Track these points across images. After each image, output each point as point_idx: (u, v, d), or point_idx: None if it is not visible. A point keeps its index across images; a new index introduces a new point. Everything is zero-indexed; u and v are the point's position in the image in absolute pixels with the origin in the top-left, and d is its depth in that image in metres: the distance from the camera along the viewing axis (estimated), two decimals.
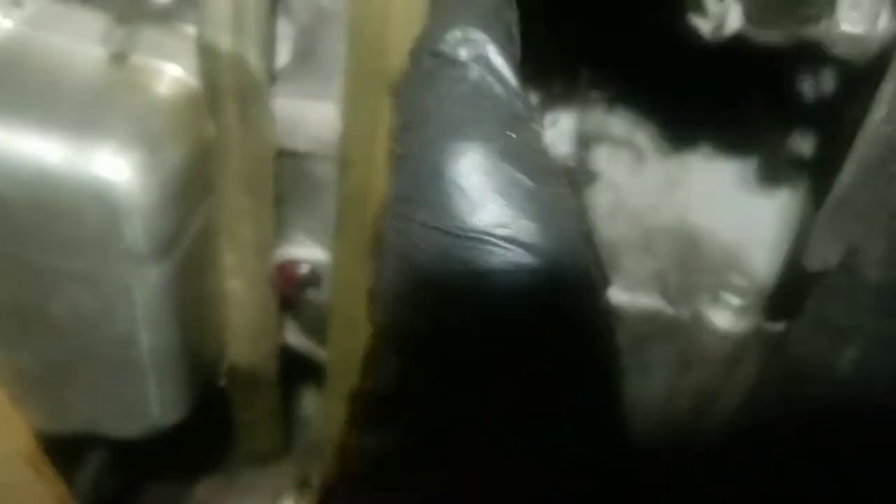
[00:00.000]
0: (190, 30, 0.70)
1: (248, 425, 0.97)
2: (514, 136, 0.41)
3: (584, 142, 0.70)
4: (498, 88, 0.41)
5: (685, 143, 0.72)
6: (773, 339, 0.59)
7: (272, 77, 0.72)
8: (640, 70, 0.69)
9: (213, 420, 0.94)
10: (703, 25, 0.48)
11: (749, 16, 0.46)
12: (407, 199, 0.43)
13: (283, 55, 0.75)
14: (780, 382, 0.58)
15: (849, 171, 0.44)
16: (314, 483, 0.90)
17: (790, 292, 0.56)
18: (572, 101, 0.69)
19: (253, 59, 0.68)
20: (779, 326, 0.59)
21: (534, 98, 0.71)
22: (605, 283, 0.57)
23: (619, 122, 0.73)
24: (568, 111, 0.69)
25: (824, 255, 0.48)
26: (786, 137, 0.68)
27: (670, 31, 0.52)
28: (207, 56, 0.68)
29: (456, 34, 0.40)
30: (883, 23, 0.41)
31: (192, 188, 0.72)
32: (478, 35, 0.40)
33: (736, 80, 0.65)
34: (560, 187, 0.43)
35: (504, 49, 0.41)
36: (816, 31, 0.42)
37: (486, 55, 0.41)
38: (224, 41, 0.67)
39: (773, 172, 0.68)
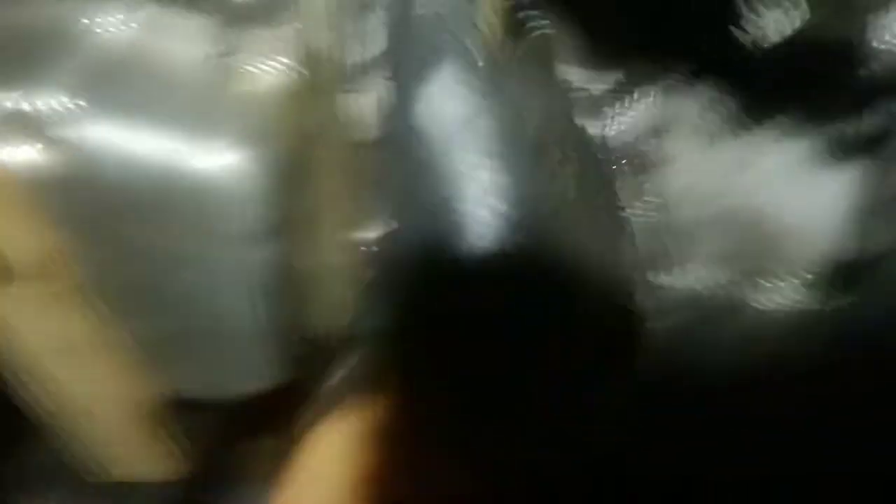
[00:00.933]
0: (289, 30, 0.76)
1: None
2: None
3: (658, 125, 0.73)
4: None
5: (756, 123, 0.74)
6: (836, 317, 0.62)
7: (367, 68, 0.78)
8: (710, 55, 0.72)
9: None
10: (743, 37, 0.51)
11: (797, 26, 0.49)
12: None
13: (376, 46, 0.81)
14: (840, 363, 0.61)
15: None
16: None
17: (851, 272, 0.59)
18: (646, 84, 0.73)
19: (346, 53, 0.74)
20: (842, 304, 0.62)
21: (609, 81, 0.75)
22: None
23: (691, 105, 0.76)
24: (642, 94, 0.73)
25: (884, 236, 0.51)
26: (855, 117, 0.70)
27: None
28: (307, 52, 0.74)
29: None
30: None
31: (294, 176, 0.78)
32: None
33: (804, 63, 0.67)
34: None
35: None
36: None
37: None
38: (321, 39, 0.73)
39: (841, 152, 0.71)
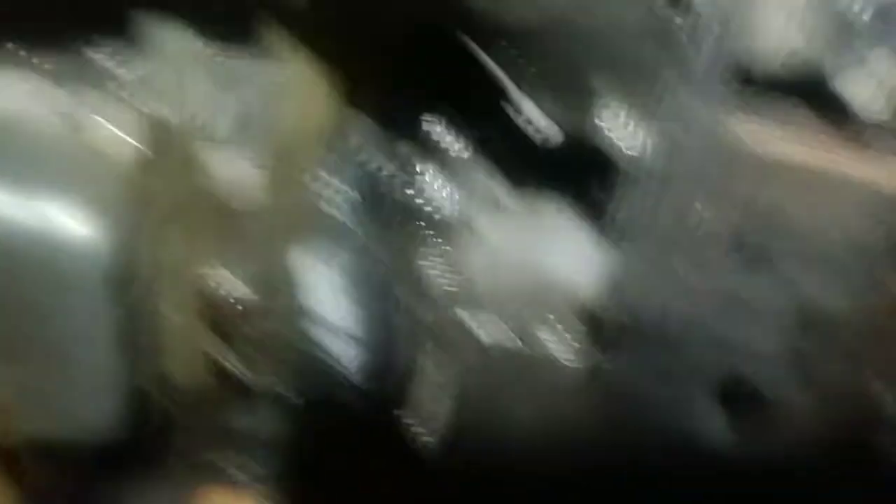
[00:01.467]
0: (139, 101, 0.82)
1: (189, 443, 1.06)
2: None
3: (451, 191, 0.80)
4: None
5: (539, 191, 0.80)
6: (610, 374, 0.72)
7: (215, 136, 0.84)
8: (499, 126, 0.80)
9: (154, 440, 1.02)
10: (531, 133, 0.61)
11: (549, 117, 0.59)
12: None
13: (226, 119, 0.87)
14: (607, 411, 0.71)
15: (635, 245, 0.57)
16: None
17: (612, 335, 0.69)
18: (439, 154, 0.81)
19: (196, 127, 0.81)
20: (614, 362, 0.72)
21: (404, 150, 0.82)
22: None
23: (480, 172, 0.82)
24: (435, 163, 0.81)
25: (623, 308, 0.61)
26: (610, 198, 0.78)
27: None
28: (154, 125, 0.80)
29: None
30: (640, 136, 0.54)
31: (141, 238, 0.83)
32: None
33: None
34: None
35: None
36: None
37: None
38: (170, 112, 0.80)
39: (608, 218, 0.79)
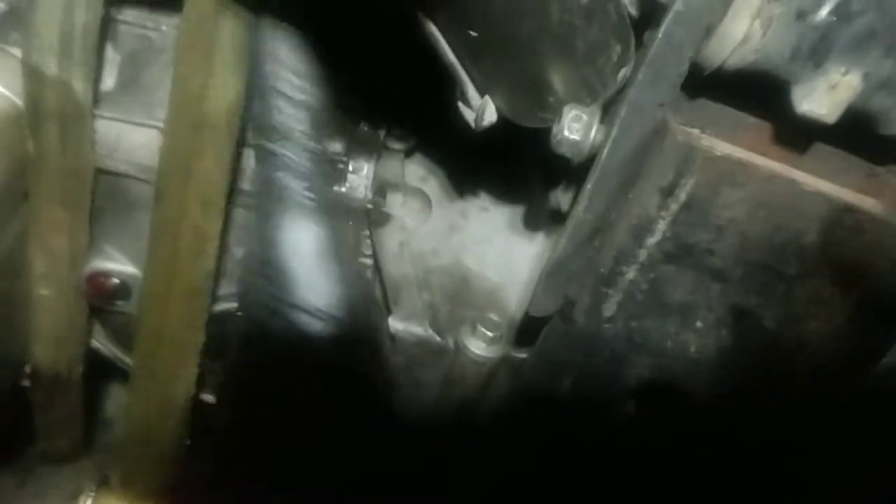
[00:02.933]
0: (15, 51, 0.73)
1: (48, 425, 0.99)
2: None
3: (381, 188, 0.79)
4: None
5: (466, 193, 0.84)
6: (517, 368, 0.72)
7: (96, 101, 0.76)
8: (432, 128, 0.80)
9: (9, 420, 0.95)
10: (467, 114, 0.60)
11: (501, 113, 0.58)
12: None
13: (109, 81, 0.80)
14: (518, 405, 0.71)
15: (563, 243, 0.57)
16: (113, 482, 0.94)
17: (526, 330, 0.69)
18: (372, 151, 0.79)
19: (77, 83, 0.73)
20: (522, 357, 0.72)
21: (338, 146, 0.80)
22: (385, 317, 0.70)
23: (412, 173, 0.83)
24: (368, 160, 0.79)
25: (544, 304, 0.61)
26: (550, 192, 0.80)
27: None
28: (33, 79, 0.72)
29: None
30: (594, 133, 0.53)
31: (8, 200, 0.75)
32: None
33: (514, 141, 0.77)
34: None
35: None
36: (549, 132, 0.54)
37: None
38: (50, 66, 0.71)
39: (536, 221, 0.81)
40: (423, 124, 0.80)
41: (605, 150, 0.53)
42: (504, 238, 0.82)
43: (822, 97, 0.51)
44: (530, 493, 0.75)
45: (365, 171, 0.78)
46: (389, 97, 0.78)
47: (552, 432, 0.69)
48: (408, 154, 0.82)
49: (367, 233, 0.79)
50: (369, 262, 0.81)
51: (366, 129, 0.79)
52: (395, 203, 0.80)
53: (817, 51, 0.50)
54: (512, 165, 0.82)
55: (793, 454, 0.65)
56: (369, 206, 0.79)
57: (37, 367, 0.89)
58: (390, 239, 0.78)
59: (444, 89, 0.64)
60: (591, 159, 0.55)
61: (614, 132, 0.53)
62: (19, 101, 0.74)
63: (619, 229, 0.57)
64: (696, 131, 0.55)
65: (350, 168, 0.78)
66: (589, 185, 0.54)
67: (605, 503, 0.76)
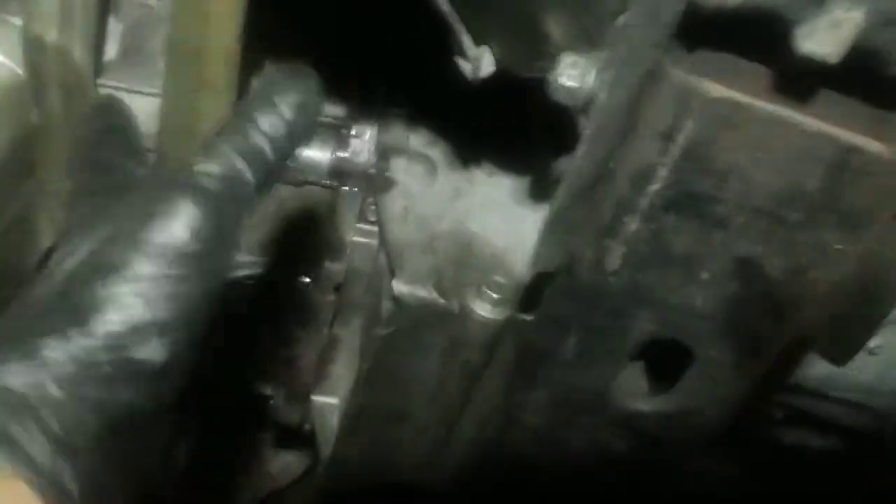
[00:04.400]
0: (16, 21, 0.74)
1: None
2: None
3: (385, 153, 0.79)
4: None
5: (472, 159, 0.83)
6: (523, 330, 0.71)
7: (98, 70, 0.77)
8: (436, 91, 0.79)
9: None
10: (464, 66, 0.59)
11: (498, 62, 0.57)
12: None
13: (111, 51, 0.80)
14: (524, 364, 0.70)
15: (562, 193, 0.56)
16: None
17: (531, 289, 0.68)
18: (374, 115, 0.79)
19: (78, 52, 0.73)
20: (528, 319, 0.71)
21: (340, 110, 0.80)
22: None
23: (416, 137, 0.83)
24: (371, 124, 0.78)
25: (547, 260, 0.60)
26: (556, 159, 0.80)
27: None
28: (34, 48, 0.72)
29: None
30: (591, 80, 0.53)
31: (14, 170, 0.75)
32: None
33: (517, 104, 0.76)
34: None
35: None
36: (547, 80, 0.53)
37: None
38: (51, 34, 0.72)
39: (542, 188, 0.80)
40: (426, 88, 0.79)
41: (602, 95, 0.52)
42: (510, 204, 0.81)
43: (824, 36, 0.49)
44: (534, 455, 0.74)
45: (367, 135, 0.77)
46: (391, 60, 0.78)
47: (558, 393, 0.68)
48: (412, 119, 0.81)
49: (371, 198, 0.78)
50: (374, 227, 0.81)
51: (367, 93, 0.78)
52: (400, 168, 0.79)
53: None
54: (518, 132, 0.81)
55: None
56: (372, 170, 0.78)
57: None
58: (394, 204, 0.78)
59: (443, 47, 0.63)
60: (585, 107, 0.54)
61: (610, 76, 0.51)
62: (21, 71, 0.74)
63: (619, 177, 0.56)
64: (694, 76, 0.54)
65: (353, 132, 0.77)
66: (587, 131, 0.53)
67: (612, 467, 0.75)
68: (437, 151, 0.82)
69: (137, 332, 0.43)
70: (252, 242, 0.84)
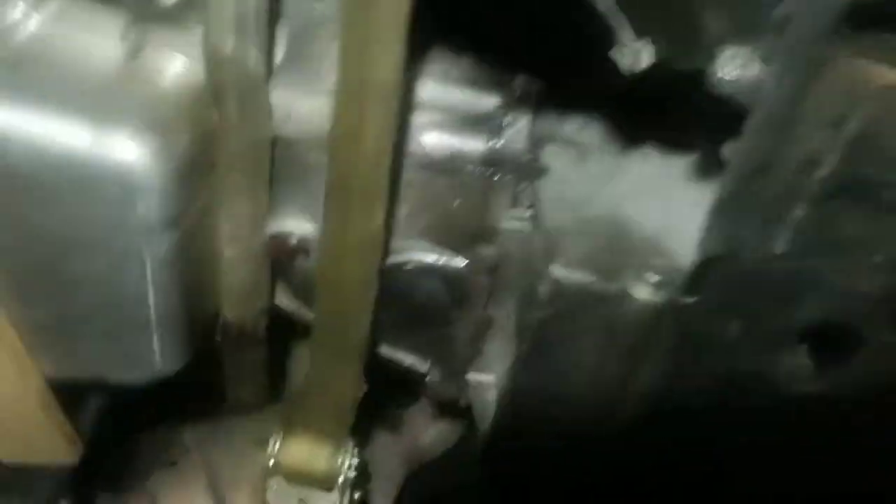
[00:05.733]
0: (196, 29, 0.80)
1: (237, 378, 1.08)
2: None
3: (537, 140, 0.81)
4: None
5: (624, 142, 0.83)
6: (684, 313, 0.71)
7: (269, 72, 0.82)
8: (588, 77, 0.80)
9: (202, 372, 1.05)
10: (622, 58, 0.60)
11: (657, 56, 0.58)
12: None
13: (278, 53, 0.86)
14: (685, 349, 0.71)
15: (729, 180, 0.56)
16: (295, 427, 1.01)
17: (695, 273, 0.68)
18: (527, 104, 0.81)
19: (253, 57, 0.78)
20: (689, 301, 0.71)
21: (494, 100, 0.82)
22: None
23: (569, 123, 0.84)
24: (523, 113, 0.80)
25: (712, 246, 0.60)
26: (711, 142, 0.79)
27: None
28: (212, 54, 0.78)
29: None
30: (753, 70, 0.52)
31: (196, 168, 0.82)
32: None
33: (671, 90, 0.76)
34: None
35: None
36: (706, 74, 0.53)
37: None
38: (227, 41, 0.77)
39: (702, 173, 0.80)
40: (575, 74, 0.80)
41: (768, 85, 0.52)
42: (663, 186, 0.81)
43: None
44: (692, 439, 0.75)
45: (520, 123, 0.79)
46: (539, 47, 0.79)
47: (719, 379, 0.68)
48: (564, 105, 0.83)
49: (524, 184, 0.80)
50: (527, 212, 0.83)
51: (520, 81, 0.80)
52: (552, 154, 0.81)
53: None
54: (667, 113, 0.81)
55: None
56: (526, 158, 0.80)
57: (226, 322, 0.98)
58: (548, 190, 0.80)
59: (592, 36, 0.64)
60: (750, 97, 0.54)
61: (776, 66, 0.51)
62: (201, 76, 0.80)
63: (786, 164, 0.56)
64: (863, 62, 0.53)
65: (507, 121, 0.79)
66: (753, 121, 0.53)
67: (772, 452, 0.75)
68: (588, 135, 0.83)
69: None
70: (410, 230, 0.88)
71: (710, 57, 0.53)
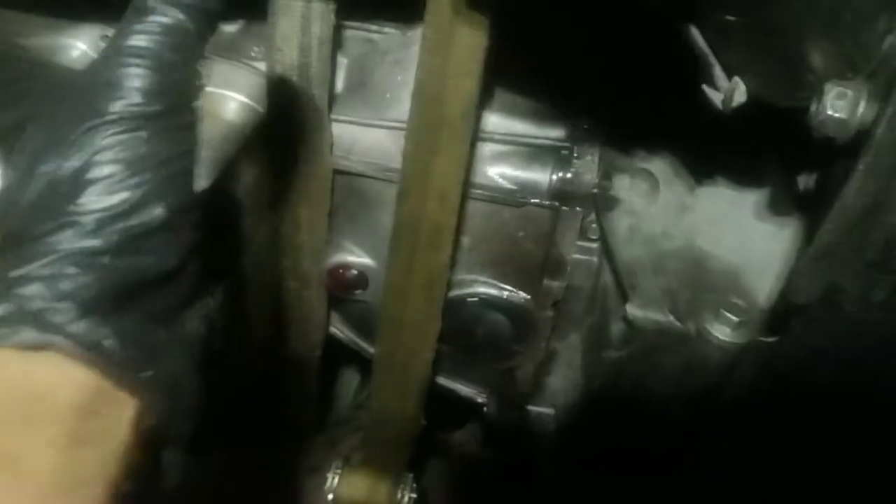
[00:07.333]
0: (260, 66, 0.79)
1: (291, 405, 1.07)
2: None
3: (607, 171, 0.79)
4: None
5: (697, 174, 0.81)
6: (765, 353, 0.69)
7: (330, 105, 0.81)
8: (660, 109, 0.78)
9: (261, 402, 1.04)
10: (714, 96, 0.58)
11: (753, 94, 0.55)
12: None
13: (339, 84, 0.84)
14: (768, 393, 0.68)
15: (830, 227, 0.54)
16: (355, 460, 1.00)
17: (780, 315, 0.66)
18: (596, 135, 0.79)
19: (315, 91, 0.78)
20: (771, 342, 0.69)
21: (562, 132, 0.80)
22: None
23: (638, 154, 0.82)
24: (594, 144, 0.78)
25: (808, 291, 0.58)
26: (791, 176, 0.76)
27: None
28: (276, 90, 0.77)
29: None
30: (861, 109, 0.50)
31: (260, 202, 0.81)
32: None
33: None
34: None
35: None
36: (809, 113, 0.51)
37: None
38: (291, 77, 0.76)
39: (776, 206, 0.77)
40: (645, 105, 0.78)
41: (880, 128, 0.49)
42: (737, 218, 0.78)
43: None
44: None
45: (590, 155, 0.77)
46: (611, 80, 0.77)
47: (807, 423, 0.66)
48: (632, 135, 0.80)
49: (592, 216, 0.78)
50: (595, 245, 0.81)
51: (589, 113, 0.78)
52: (622, 185, 0.79)
53: None
54: (742, 144, 0.78)
55: None
56: (595, 190, 0.78)
57: (283, 351, 0.97)
58: (620, 223, 0.77)
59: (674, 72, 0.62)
60: (856, 138, 0.52)
61: (889, 108, 0.49)
62: (263, 111, 0.79)
63: (892, 209, 0.53)
64: None
65: (575, 153, 0.78)
66: (861, 166, 0.50)
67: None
68: (659, 166, 0.81)
69: (124, 201, 0.46)
70: (474, 262, 0.86)
71: (811, 94, 0.51)
